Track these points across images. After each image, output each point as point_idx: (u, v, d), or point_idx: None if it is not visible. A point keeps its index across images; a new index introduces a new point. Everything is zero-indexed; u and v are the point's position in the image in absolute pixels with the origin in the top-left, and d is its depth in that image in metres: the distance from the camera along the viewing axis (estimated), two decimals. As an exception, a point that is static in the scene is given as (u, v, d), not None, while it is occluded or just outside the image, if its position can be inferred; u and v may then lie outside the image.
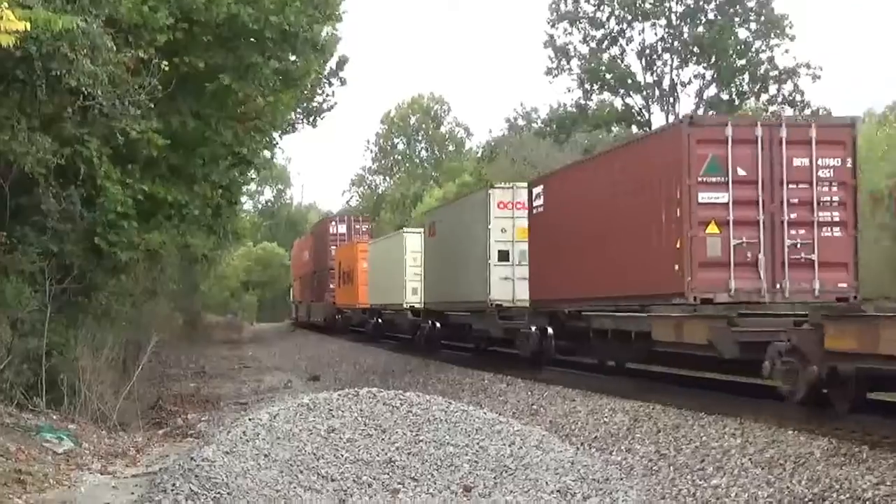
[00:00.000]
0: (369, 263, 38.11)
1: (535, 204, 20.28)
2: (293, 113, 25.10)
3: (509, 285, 22.28)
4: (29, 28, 9.80)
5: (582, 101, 52.61)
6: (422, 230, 30.88)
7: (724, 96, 50.03)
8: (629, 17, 50.59)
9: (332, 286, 45.96)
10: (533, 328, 20.05)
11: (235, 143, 18.95)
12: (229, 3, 16.05)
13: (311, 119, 27.96)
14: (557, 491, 9.25)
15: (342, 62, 28.16)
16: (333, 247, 46.58)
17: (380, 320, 37.16)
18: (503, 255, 22.41)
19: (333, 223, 50.19)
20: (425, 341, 29.06)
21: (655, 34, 50.80)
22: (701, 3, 49.24)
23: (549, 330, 19.37)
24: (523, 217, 21.68)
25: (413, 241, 31.43)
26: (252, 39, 17.15)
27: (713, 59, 49.46)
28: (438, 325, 28.22)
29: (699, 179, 13.78)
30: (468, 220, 24.33)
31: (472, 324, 24.74)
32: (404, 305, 31.51)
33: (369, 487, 9.23)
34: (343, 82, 28.73)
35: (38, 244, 15.06)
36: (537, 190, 20.30)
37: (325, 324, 47.43)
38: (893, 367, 10.28)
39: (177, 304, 36.31)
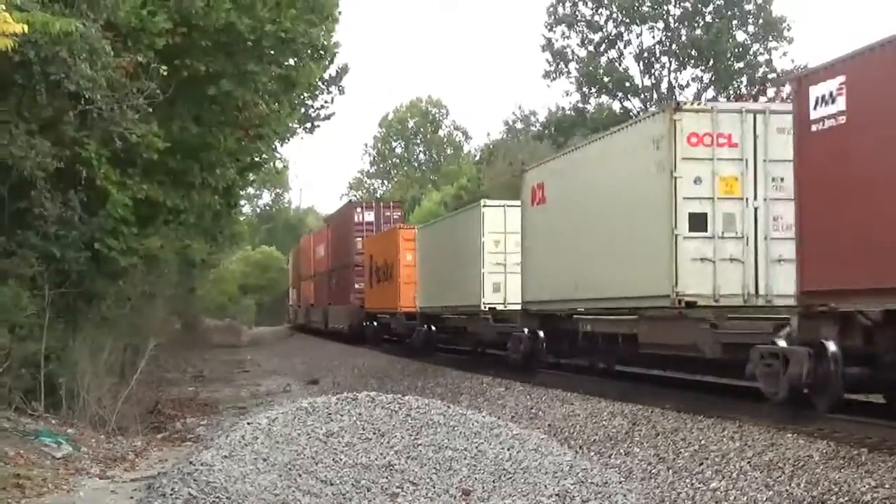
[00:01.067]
0: (419, 254, 30.18)
1: (817, 115, 11.16)
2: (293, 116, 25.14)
3: (708, 271, 14.32)
4: (26, 30, 9.83)
5: (580, 105, 52.64)
6: (503, 204, 23.93)
7: (723, 99, 50.03)
8: (627, 21, 50.56)
9: (358, 286, 38.48)
10: (799, 346, 11.59)
11: (239, 150, 18.97)
12: (227, 9, 16.07)
13: (309, 127, 27.98)
14: (556, 495, 9.24)
15: (342, 71, 28.20)
16: (360, 238, 39.41)
17: (432, 328, 28.81)
18: (697, 222, 14.35)
19: (359, 210, 41.81)
20: (524, 359, 20.50)
21: (653, 37, 50.78)
22: (699, 5, 49.23)
23: (832, 348, 10.96)
24: (732, 158, 14.34)
25: (494, 219, 23.68)
26: (249, 44, 17.17)
27: (711, 62, 49.46)
28: (542, 334, 19.88)
29: None
30: (621, 169, 15.96)
31: (640, 335, 15.72)
32: (482, 308, 23.50)
33: (368, 491, 9.22)
34: (342, 91, 28.80)
35: (37, 249, 15.07)
36: (825, 87, 11.03)
37: (349, 332, 39.22)
38: None
39: (175, 308, 36.27)
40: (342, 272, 41.79)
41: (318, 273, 49.24)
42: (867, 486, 8.81)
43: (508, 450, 10.29)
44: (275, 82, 18.38)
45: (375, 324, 35.99)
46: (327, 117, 28.29)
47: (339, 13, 21.01)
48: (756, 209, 14.43)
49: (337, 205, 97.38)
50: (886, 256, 10.11)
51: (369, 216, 40.92)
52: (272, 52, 17.49)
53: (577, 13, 51.35)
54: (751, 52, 49.32)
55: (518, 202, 21.82)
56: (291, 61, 19.00)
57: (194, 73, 16.57)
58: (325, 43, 20.73)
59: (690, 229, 14.36)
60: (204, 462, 9.24)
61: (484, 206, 24.05)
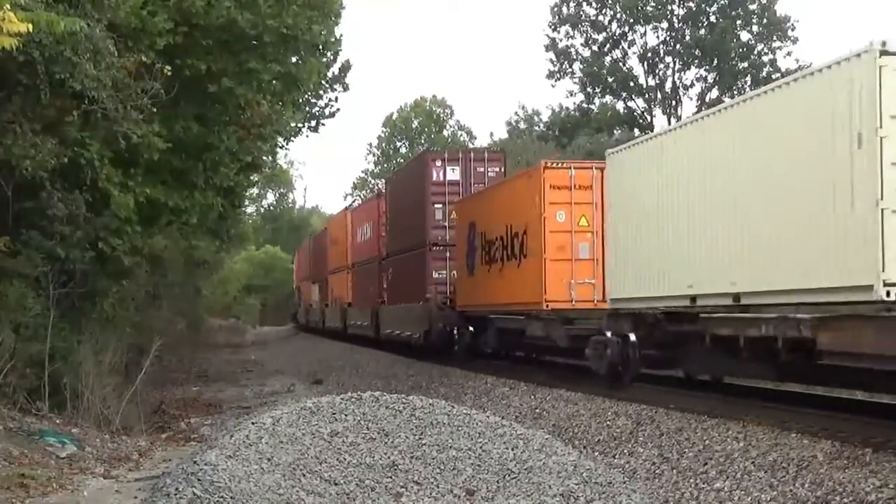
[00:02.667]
0: (615, 202, 16.94)
1: None
2: (296, 117, 25.16)
3: None
4: (31, 30, 9.84)
5: (584, 105, 52.64)
6: None
7: (727, 99, 50.03)
8: (631, 21, 50.59)
9: (437, 274, 27.08)
10: None
11: (241, 151, 18.98)
12: (228, 7, 16.08)
13: (314, 124, 28.04)
14: (560, 495, 9.23)
15: (345, 68, 28.24)
16: (440, 205, 27.38)
17: (631, 337, 15.92)
18: None
19: (438, 164, 27.85)
20: None
21: (657, 37, 50.84)
22: (703, 5, 49.24)
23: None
24: None
25: None
26: (253, 42, 17.17)
27: (715, 62, 49.47)
28: None
29: None
30: None
31: None
32: (884, 295, 10.03)
33: (372, 491, 9.21)
34: (346, 88, 28.81)
35: (42, 248, 15.08)
36: None
37: (423, 342, 27.33)
38: None
39: (179, 308, 36.30)
40: (409, 257, 29.48)
41: (361, 262, 37.52)
42: (871, 486, 8.79)
43: (513, 450, 10.28)
44: (277, 81, 18.38)
45: (472, 330, 24.76)
46: (332, 115, 28.34)
47: (343, 7, 20.99)
48: None
49: (342, 204, 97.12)
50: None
51: (454, 173, 27.70)
52: (274, 48, 17.49)
53: (581, 13, 51.40)
54: (755, 52, 49.34)
55: None
56: (294, 59, 18.99)
57: (196, 72, 16.58)
58: (327, 39, 20.71)
59: None
60: (208, 462, 9.24)
61: (882, 51, 10.30)
